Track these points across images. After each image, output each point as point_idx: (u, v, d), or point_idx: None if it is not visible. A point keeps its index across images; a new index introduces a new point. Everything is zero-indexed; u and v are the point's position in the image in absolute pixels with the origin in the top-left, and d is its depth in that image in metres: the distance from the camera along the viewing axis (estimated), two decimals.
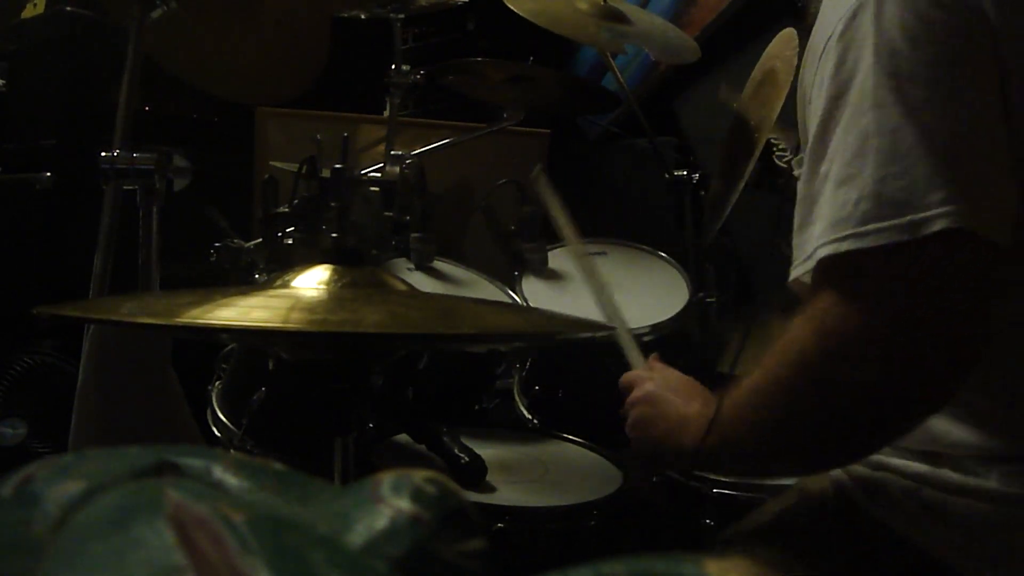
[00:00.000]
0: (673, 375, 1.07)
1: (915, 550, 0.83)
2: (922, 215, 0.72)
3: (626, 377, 1.11)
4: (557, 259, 1.85)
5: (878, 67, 0.75)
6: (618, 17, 1.79)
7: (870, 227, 0.73)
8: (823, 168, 0.78)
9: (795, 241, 0.82)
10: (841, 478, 0.92)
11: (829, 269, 0.77)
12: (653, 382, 1.05)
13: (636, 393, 1.05)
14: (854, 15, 0.77)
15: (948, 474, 0.83)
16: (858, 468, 0.90)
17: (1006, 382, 0.82)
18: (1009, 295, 0.79)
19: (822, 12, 0.83)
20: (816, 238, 0.77)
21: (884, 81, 0.74)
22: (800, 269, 0.80)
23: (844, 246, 0.75)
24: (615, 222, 2.45)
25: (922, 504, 0.83)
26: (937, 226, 0.72)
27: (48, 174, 2.11)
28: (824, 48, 0.79)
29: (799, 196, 0.81)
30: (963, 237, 0.72)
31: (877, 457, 0.88)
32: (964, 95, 0.75)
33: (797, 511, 0.98)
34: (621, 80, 2.00)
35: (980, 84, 0.76)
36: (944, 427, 0.83)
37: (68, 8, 2.34)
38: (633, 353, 1.17)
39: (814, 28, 0.83)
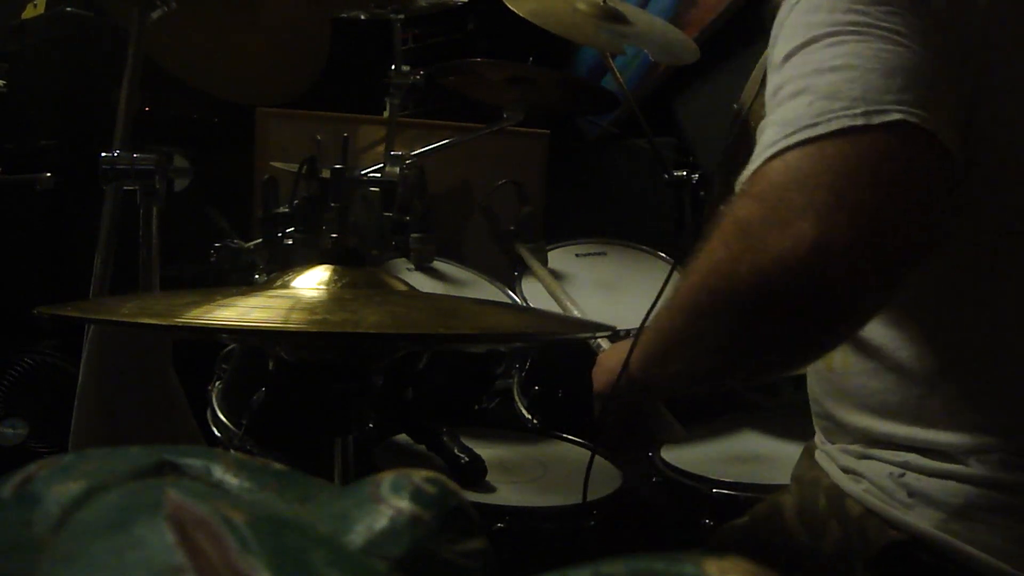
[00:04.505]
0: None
1: (902, 533, 0.84)
2: (877, 107, 0.70)
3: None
4: (557, 259, 1.85)
5: (838, 13, 0.74)
6: (617, 18, 1.79)
7: (821, 119, 0.70)
8: (775, 95, 0.75)
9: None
10: (830, 468, 0.92)
11: (776, 162, 0.71)
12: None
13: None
14: None
15: (928, 461, 0.84)
16: (845, 458, 0.90)
17: (970, 383, 0.83)
18: (985, 298, 0.80)
19: None
20: (764, 146, 0.73)
21: (847, 27, 0.73)
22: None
23: (794, 139, 0.70)
24: (615, 222, 2.45)
25: (908, 490, 0.84)
26: (892, 116, 0.69)
27: (48, 174, 2.11)
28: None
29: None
30: (918, 133, 0.70)
31: (860, 448, 0.89)
32: (929, 40, 0.74)
33: (788, 502, 0.98)
34: (621, 80, 2.00)
35: (948, 38, 0.75)
36: (911, 430, 0.84)
37: (68, 8, 2.34)
38: None
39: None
